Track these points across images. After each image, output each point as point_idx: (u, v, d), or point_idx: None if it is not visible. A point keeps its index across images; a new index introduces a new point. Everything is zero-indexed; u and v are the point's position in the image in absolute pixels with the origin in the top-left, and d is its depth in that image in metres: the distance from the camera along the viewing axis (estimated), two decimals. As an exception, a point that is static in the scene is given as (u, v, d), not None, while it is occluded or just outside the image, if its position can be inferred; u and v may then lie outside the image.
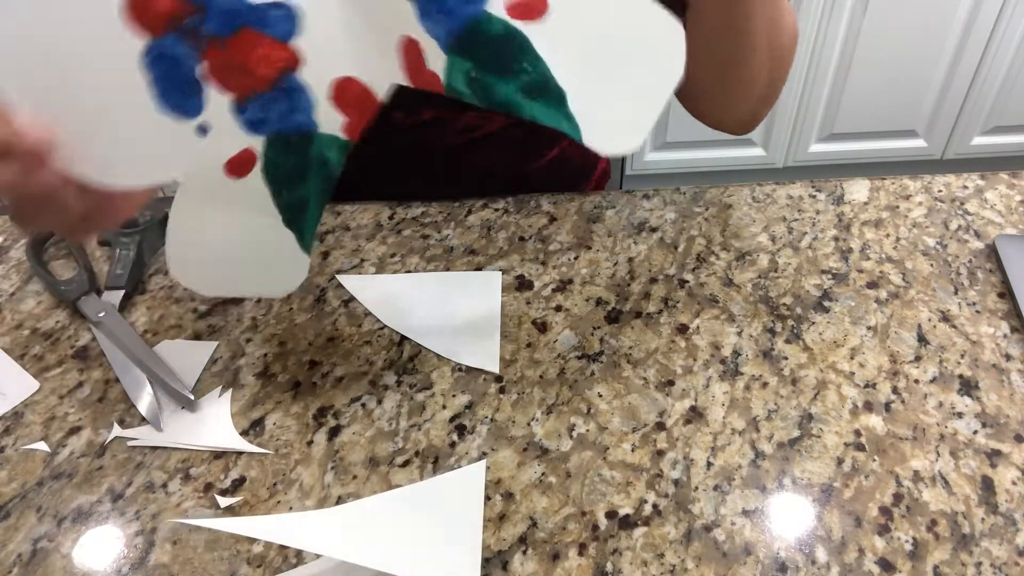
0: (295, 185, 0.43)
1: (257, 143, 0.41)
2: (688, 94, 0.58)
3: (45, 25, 0.34)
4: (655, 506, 0.45)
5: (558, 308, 0.58)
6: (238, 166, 0.41)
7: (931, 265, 0.60)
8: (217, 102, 0.39)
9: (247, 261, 0.46)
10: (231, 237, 0.45)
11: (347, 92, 0.41)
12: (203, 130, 0.39)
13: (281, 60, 0.38)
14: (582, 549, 0.43)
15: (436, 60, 0.38)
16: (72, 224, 0.39)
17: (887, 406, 0.50)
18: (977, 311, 0.56)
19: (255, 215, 0.44)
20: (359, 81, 0.41)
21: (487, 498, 0.46)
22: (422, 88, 0.41)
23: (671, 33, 0.37)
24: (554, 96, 0.39)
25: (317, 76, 0.40)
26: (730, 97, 0.58)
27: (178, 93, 0.37)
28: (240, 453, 0.49)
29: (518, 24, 0.37)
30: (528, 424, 0.50)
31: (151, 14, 0.35)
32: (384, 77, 0.41)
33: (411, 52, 0.39)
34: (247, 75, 0.38)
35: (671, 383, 0.52)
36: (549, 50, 0.37)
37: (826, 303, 0.57)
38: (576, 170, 0.80)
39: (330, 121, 0.41)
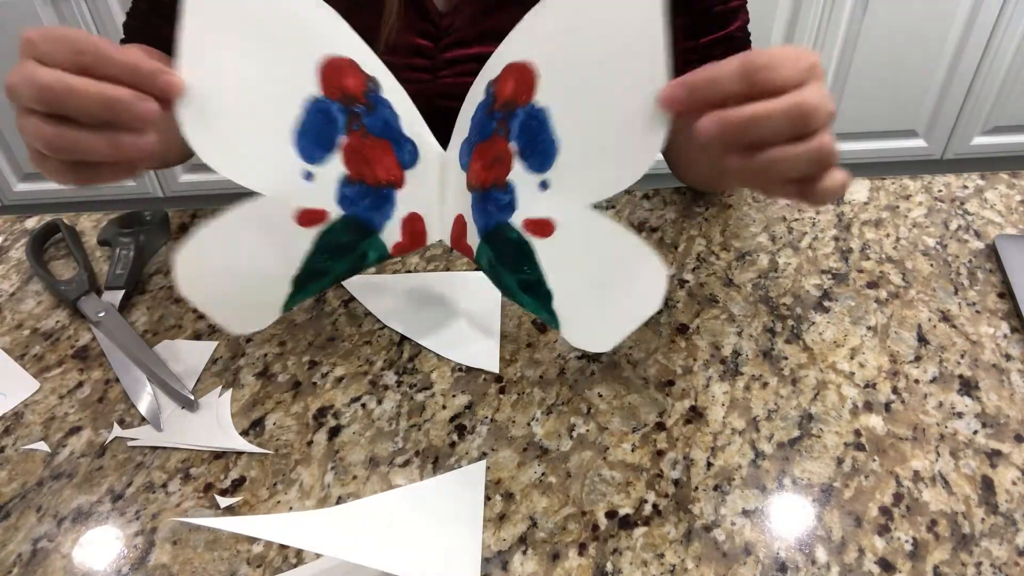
0: (332, 257, 0.50)
1: (334, 211, 0.48)
2: (672, 167, 0.71)
3: (258, 36, 0.43)
4: (655, 506, 0.45)
5: (558, 308, 0.58)
6: (308, 217, 0.48)
7: (931, 265, 0.60)
8: (333, 167, 0.47)
9: (239, 288, 0.50)
10: (247, 260, 0.48)
11: (413, 224, 0.51)
12: (309, 176, 0.46)
13: (394, 176, 0.49)
14: (582, 549, 0.43)
15: (472, 239, 0.50)
16: (103, 153, 0.41)
17: (887, 406, 0.50)
18: (977, 311, 0.56)
19: (280, 257, 0.49)
20: (424, 223, 0.52)
21: (487, 498, 0.46)
22: (458, 251, 0.52)
23: (656, 273, 0.44)
24: (542, 295, 0.48)
25: (405, 200, 0.50)
26: (714, 191, 0.70)
27: (313, 140, 0.46)
28: (240, 453, 0.49)
29: (529, 236, 0.46)
30: (528, 424, 0.50)
31: (337, 82, 0.45)
32: (437, 234, 0.53)
33: (459, 225, 0.51)
34: (367, 168, 0.48)
35: (671, 383, 0.52)
36: (547, 261, 0.47)
37: (826, 303, 0.57)
38: None
39: (390, 233, 0.51)
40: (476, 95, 0.46)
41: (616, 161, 0.42)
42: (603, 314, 0.48)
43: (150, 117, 0.40)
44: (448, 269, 0.61)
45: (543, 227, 0.46)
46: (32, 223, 0.69)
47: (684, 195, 0.68)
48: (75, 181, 0.42)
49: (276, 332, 0.57)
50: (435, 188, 0.51)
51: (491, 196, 0.47)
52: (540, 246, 0.46)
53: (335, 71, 0.45)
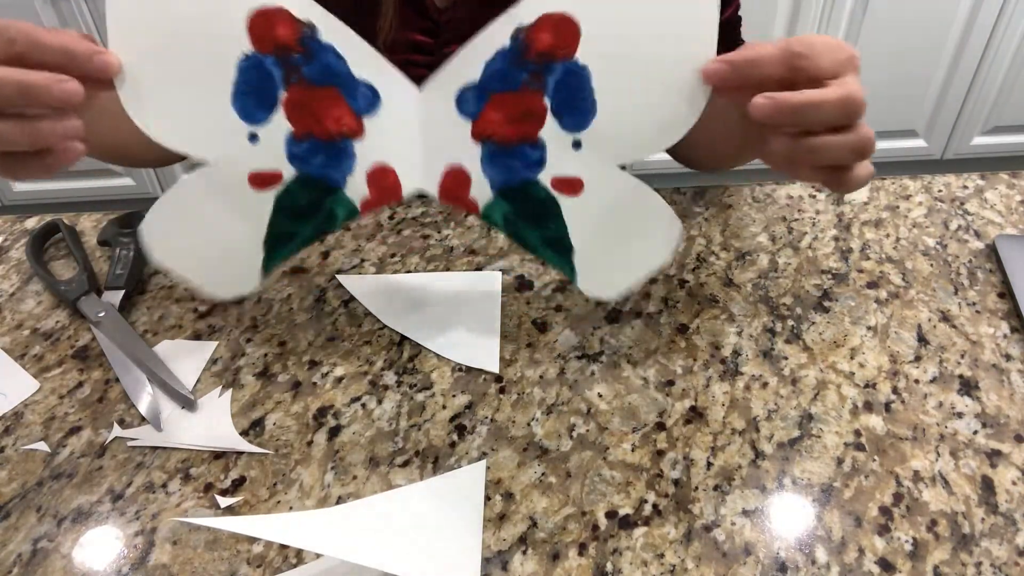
0: (295, 220, 0.49)
1: (287, 171, 0.46)
2: (679, 157, 0.70)
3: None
4: (655, 506, 0.45)
5: (558, 308, 0.58)
6: (261, 180, 0.46)
7: (931, 265, 0.60)
8: (278, 125, 0.45)
9: (213, 252, 0.50)
10: (213, 225, 0.48)
11: (382, 177, 0.48)
12: (254, 137, 0.45)
13: (348, 127, 0.45)
14: (582, 549, 0.43)
15: (480, 192, 0.47)
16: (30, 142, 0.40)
17: (887, 406, 0.50)
18: (977, 311, 0.56)
19: (244, 222, 0.48)
20: (396, 174, 0.48)
21: (487, 498, 0.46)
22: (451, 205, 0.50)
23: (671, 228, 0.46)
24: (565, 250, 0.49)
25: (367, 152, 0.47)
26: (709, 170, 0.70)
27: (253, 101, 0.44)
28: (240, 453, 0.49)
29: (557, 194, 0.46)
30: (528, 424, 0.50)
31: (267, 33, 0.42)
32: (417, 184, 0.49)
33: (455, 177, 0.48)
34: (315, 122, 0.45)
35: (671, 383, 0.52)
36: (572, 218, 0.47)
37: (826, 303, 0.57)
38: None
39: (355, 190, 0.48)
40: (496, 40, 0.44)
41: (652, 127, 0.43)
42: (619, 265, 0.49)
43: (71, 99, 0.39)
44: (448, 269, 0.61)
45: (572, 185, 0.46)
46: (32, 223, 0.69)
47: (684, 195, 0.68)
48: (4, 173, 0.42)
49: (276, 332, 0.57)
50: (408, 134, 0.48)
51: (518, 151, 0.46)
52: (567, 204, 0.47)
53: (263, 22, 0.43)
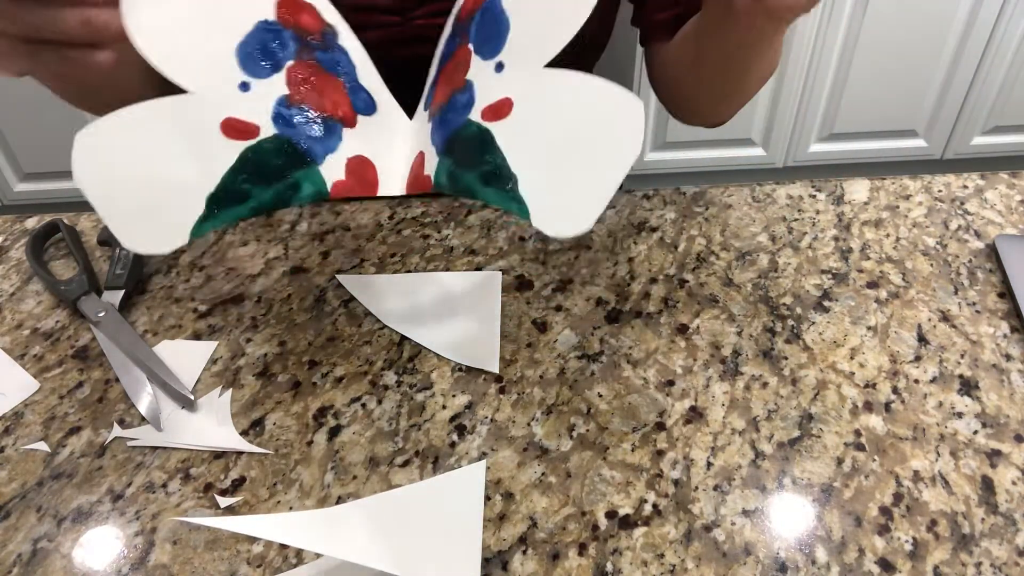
0: (256, 182, 0.45)
1: (266, 128, 0.45)
2: (678, 108, 0.69)
3: None
4: (655, 506, 0.45)
5: (558, 308, 0.58)
6: (234, 129, 0.45)
7: (931, 265, 0.60)
8: (274, 85, 0.45)
9: (147, 193, 0.44)
10: (162, 162, 0.44)
11: (363, 168, 0.48)
12: (245, 87, 0.45)
13: (343, 112, 0.47)
14: (582, 549, 0.43)
15: (431, 163, 0.46)
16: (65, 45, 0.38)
17: (887, 406, 0.50)
18: (977, 311, 0.56)
19: (197, 167, 0.44)
20: (376, 172, 0.48)
21: (487, 498, 0.46)
22: (415, 192, 0.49)
23: (629, 112, 0.39)
24: (506, 181, 0.43)
25: (354, 140, 0.47)
26: (718, 113, 0.67)
27: (258, 56, 0.45)
28: (240, 453, 0.49)
29: (487, 124, 0.44)
30: (528, 424, 0.50)
31: (293, 14, 0.45)
32: (393, 189, 0.48)
33: (419, 163, 0.48)
34: (313, 95, 0.46)
35: (671, 383, 0.52)
36: (508, 141, 0.43)
37: (826, 303, 0.57)
38: None
39: (331, 169, 0.47)
40: (445, 35, 0.47)
41: (561, 6, 0.42)
42: (577, 181, 0.41)
43: None
44: (448, 269, 0.61)
45: (500, 109, 0.44)
46: (32, 223, 0.69)
47: (684, 195, 0.68)
48: (25, 66, 0.39)
49: (276, 332, 0.57)
50: (396, 146, 0.49)
51: (452, 103, 0.45)
52: (499, 128, 0.43)
53: (292, 5, 0.45)
